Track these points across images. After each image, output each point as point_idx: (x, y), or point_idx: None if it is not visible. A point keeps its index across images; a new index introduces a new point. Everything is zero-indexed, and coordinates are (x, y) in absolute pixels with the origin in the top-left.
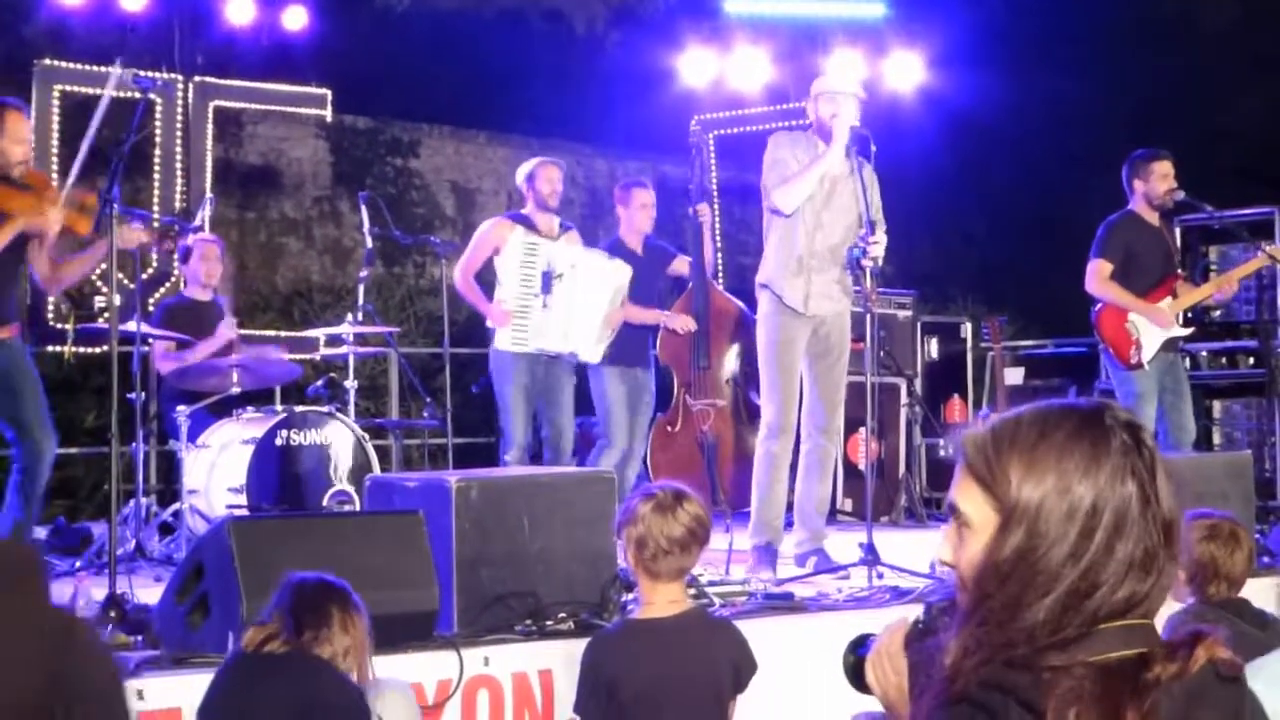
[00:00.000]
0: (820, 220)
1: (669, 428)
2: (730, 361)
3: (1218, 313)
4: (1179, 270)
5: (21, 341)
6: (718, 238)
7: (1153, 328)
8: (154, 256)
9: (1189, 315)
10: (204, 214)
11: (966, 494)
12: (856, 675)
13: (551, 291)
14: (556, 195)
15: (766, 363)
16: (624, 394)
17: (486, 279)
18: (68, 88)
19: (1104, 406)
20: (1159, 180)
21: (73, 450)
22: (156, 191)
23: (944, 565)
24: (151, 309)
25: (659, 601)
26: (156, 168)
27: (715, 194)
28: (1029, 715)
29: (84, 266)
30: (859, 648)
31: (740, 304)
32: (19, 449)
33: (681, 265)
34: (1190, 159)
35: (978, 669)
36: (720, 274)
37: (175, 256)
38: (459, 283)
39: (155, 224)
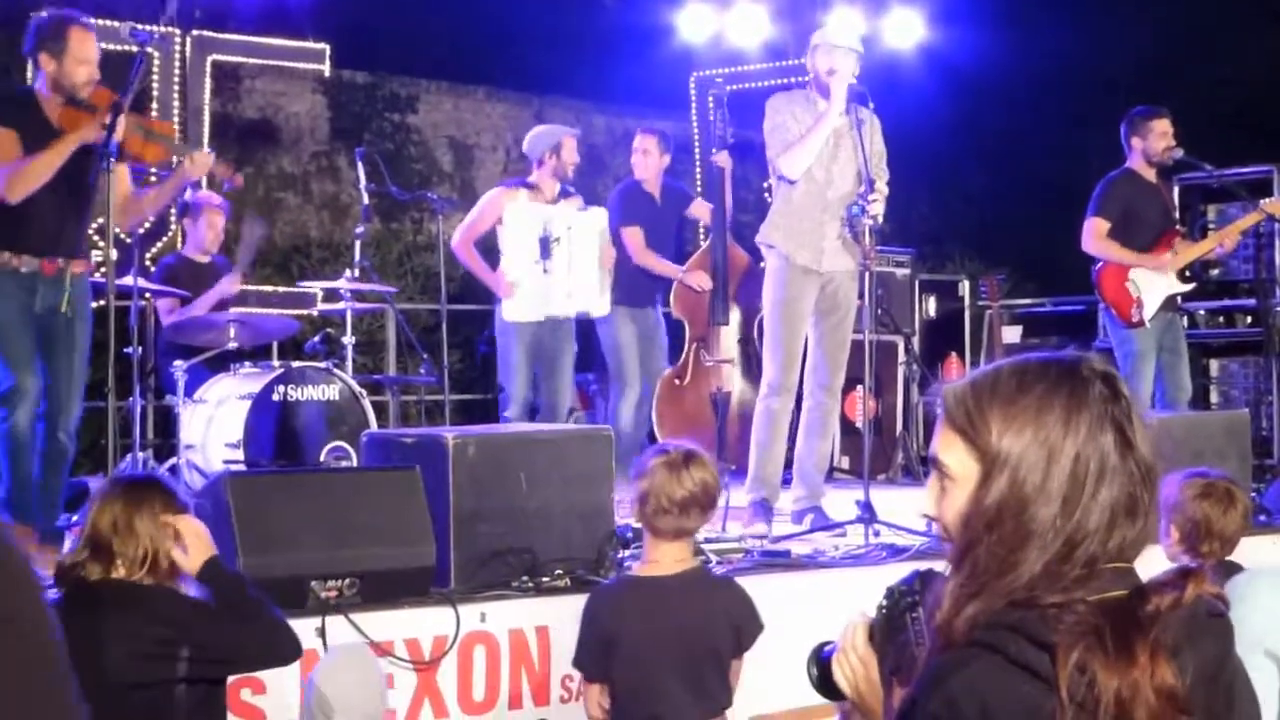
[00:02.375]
0: (830, 174)
1: (677, 381)
2: (744, 318)
3: (1216, 271)
4: (1177, 227)
5: (88, 282)
6: (701, 190)
7: (1154, 286)
8: (221, 185)
9: (1188, 272)
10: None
11: (948, 446)
12: (824, 681)
13: (551, 256)
14: (575, 166)
15: (772, 320)
16: (635, 335)
17: (489, 244)
18: None
19: (1081, 358)
20: (1157, 138)
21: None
22: None
23: (926, 517)
24: (150, 266)
25: (663, 560)
26: (154, 113)
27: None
28: (1036, 649)
29: (157, 201)
30: (821, 654)
31: (751, 258)
32: (47, 398)
33: (699, 209)
34: (1189, 115)
35: (977, 614)
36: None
37: (173, 210)
38: (460, 251)
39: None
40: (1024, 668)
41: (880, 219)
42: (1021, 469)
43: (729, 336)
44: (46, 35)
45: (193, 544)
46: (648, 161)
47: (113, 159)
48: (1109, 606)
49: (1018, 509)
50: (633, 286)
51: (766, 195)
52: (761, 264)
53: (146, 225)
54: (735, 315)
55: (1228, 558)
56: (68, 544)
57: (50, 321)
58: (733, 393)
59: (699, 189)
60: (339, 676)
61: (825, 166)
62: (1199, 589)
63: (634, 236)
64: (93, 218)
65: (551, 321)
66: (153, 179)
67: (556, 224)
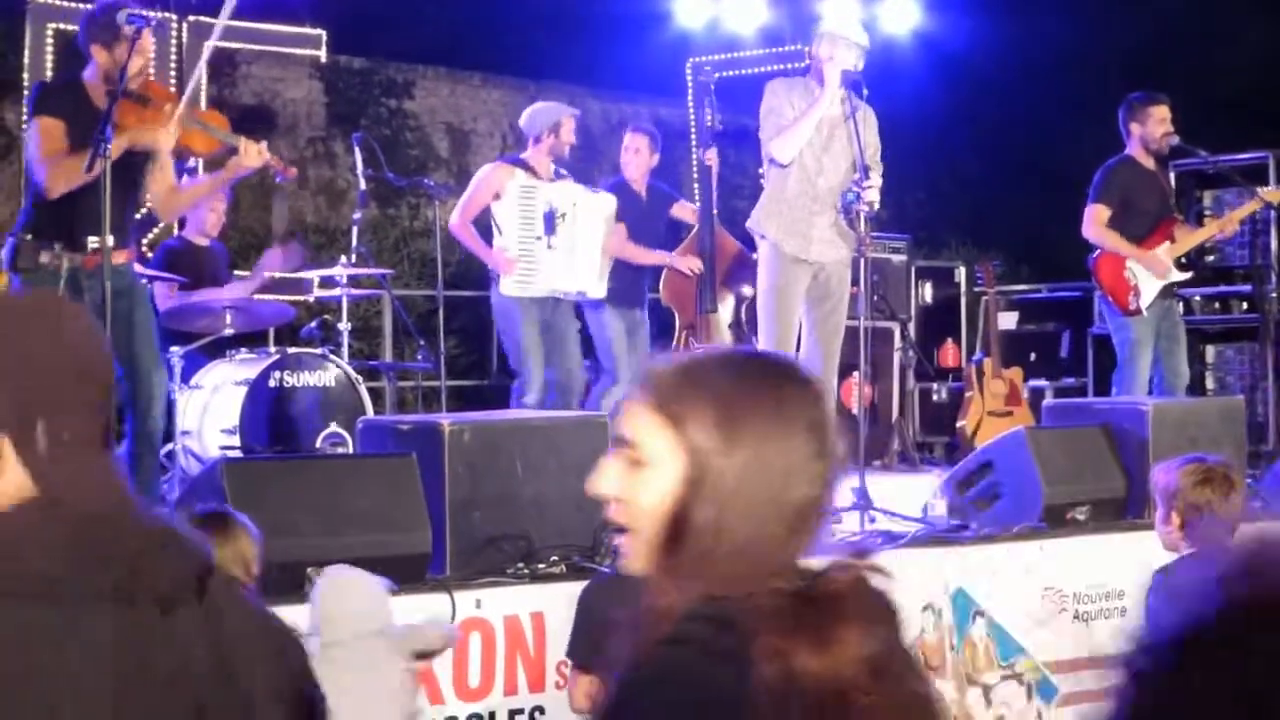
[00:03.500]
0: (821, 164)
1: None
2: (734, 305)
3: (1212, 257)
4: (1176, 214)
5: (135, 268)
6: (697, 176)
7: (1149, 273)
8: (274, 177)
9: (1186, 259)
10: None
11: (649, 430)
12: None
13: (556, 232)
14: (571, 146)
15: (764, 308)
16: (623, 330)
17: (481, 223)
18: (61, 26)
19: (788, 360)
20: (1156, 124)
21: None
22: None
23: (602, 496)
24: (147, 251)
25: None
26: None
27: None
28: (735, 637)
29: (206, 192)
30: None
31: (744, 248)
32: (129, 386)
33: (681, 211)
34: (1185, 101)
35: (675, 607)
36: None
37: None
38: (457, 228)
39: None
40: (723, 657)
41: (875, 206)
42: (731, 471)
43: (719, 324)
44: (98, 27)
45: None
46: (637, 161)
47: (108, 142)
48: (800, 592)
49: (725, 512)
50: (618, 286)
51: (762, 181)
52: (754, 254)
53: (142, 210)
54: (728, 302)
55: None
56: None
57: (98, 312)
58: None
59: (694, 175)
60: (342, 589)
61: (817, 156)
62: (870, 567)
63: (617, 233)
64: (139, 207)
65: (553, 299)
66: (194, 164)
67: (562, 200)
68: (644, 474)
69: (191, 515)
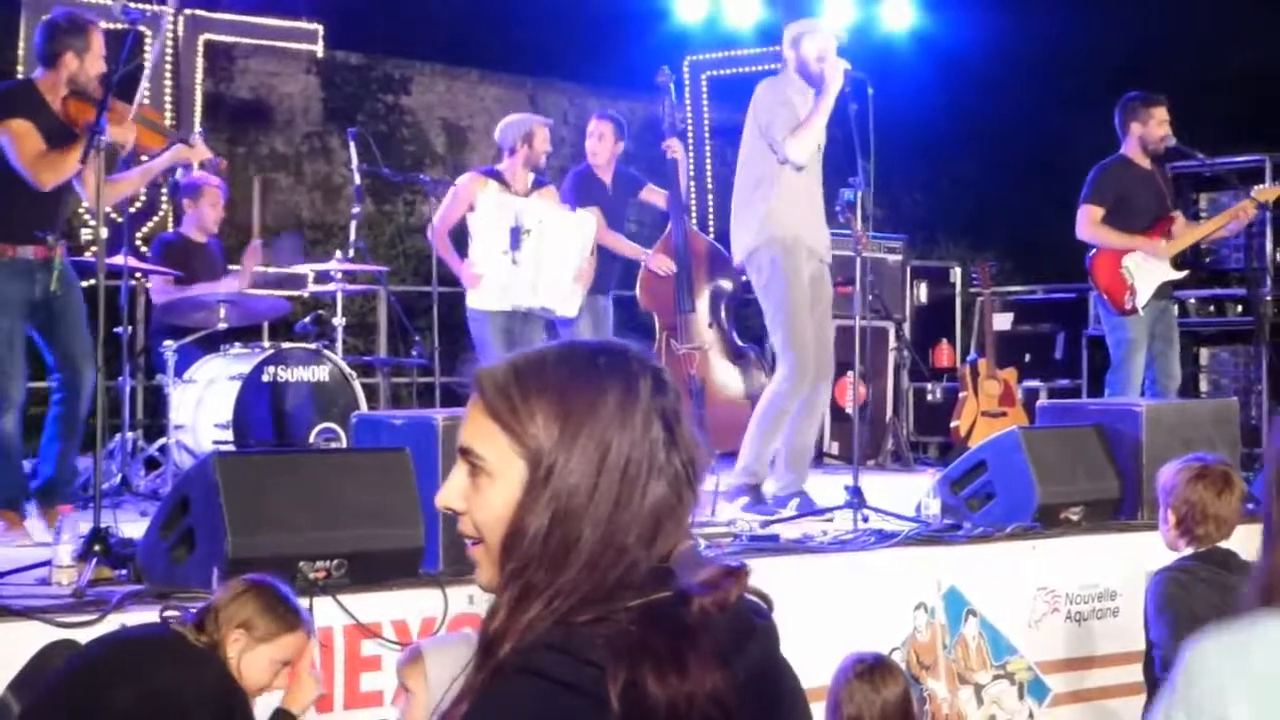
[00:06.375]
0: (818, 163)
1: None
2: (712, 302)
3: (1208, 260)
4: (1173, 213)
5: (68, 261)
6: (705, 184)
7: (1148, 273)
8: (210, 168)
9: (1182, 259)
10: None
11: (485, 437)
12: None
13: (520, 248)
14: (546, 155)
15: (785, 315)
16: (589, 326)
17: (457, 230)
18: None
19: (628, 349)
20: (1156, 125)
21: (43, 385)
22: None
23: (447, 509)
24: (142, 244)
25: None
26: (146, 101)
27: (708, 136)
28: (584, 667)
29: (139, 183)
30: None
31: (718, 245)
32: (59, 378)
33: (650, 194)
34: (1182, 104)
35: (524, 633)
36: (712, 216)
37: (164, 190)
38: (435, 238)
39: (179, 137)
40: (573, 688)
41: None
42: (573, 473)
43: (699, 323)
44: (70, 34)
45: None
46: (601, 146)
47: (102, 138)
48: (654, 613)
49: (570, 518)
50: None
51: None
52: (737, 263)
53: (138, 205)
54: (705, 299)
55: (1223, 544)
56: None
57: (49, 303)
58: (710, 377)
59: (690, 172)
60: (453, 660)
61: (816, 151)
62: (741, 588)
63: (597, 220)
64: (71, 198)
65: (519, 313)
66: (143, 159)
67: (528, 217)
68: (484, 482)
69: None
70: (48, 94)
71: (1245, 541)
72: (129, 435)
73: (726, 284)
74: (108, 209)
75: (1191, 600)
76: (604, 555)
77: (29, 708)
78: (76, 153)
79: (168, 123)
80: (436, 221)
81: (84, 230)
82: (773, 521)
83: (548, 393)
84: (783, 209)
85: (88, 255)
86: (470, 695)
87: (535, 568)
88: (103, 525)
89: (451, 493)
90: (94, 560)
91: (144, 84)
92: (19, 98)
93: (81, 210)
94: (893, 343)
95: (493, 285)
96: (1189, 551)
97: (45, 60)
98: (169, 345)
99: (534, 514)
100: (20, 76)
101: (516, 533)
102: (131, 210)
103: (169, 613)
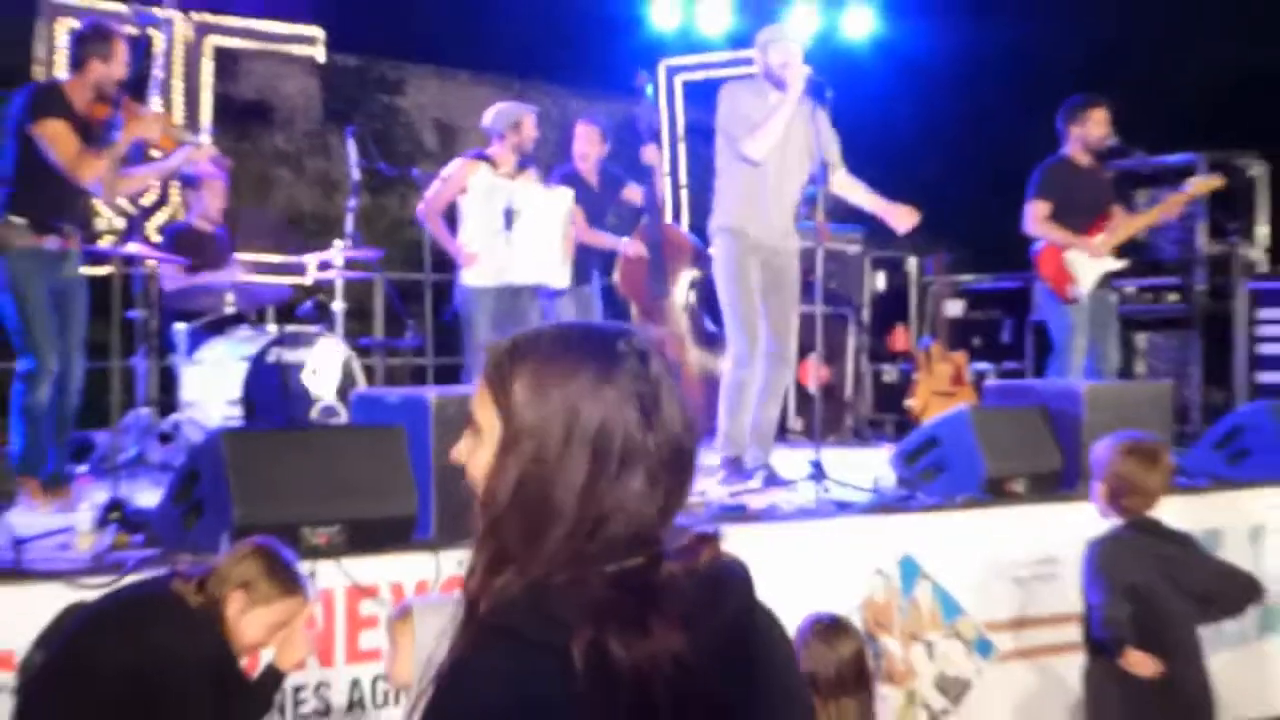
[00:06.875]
0: (778, 160)
1: None
2: (686, 289)
3: (1145, 251)
4: (1115, 207)
5: (81, 253)
6: (680, 179)
7: (1089, 264)
8: (215, 165)
9: (1121, 251)
10: (205, 136)
11: (480, 401)
12: None
13: (513, 228)
14: (533, 142)
15: (729, 297)
16: (574, 313)
17: (449, 213)
18: (72, 22)
19: (622, 330)
20: (1095, 126)
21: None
22: None
23: (457, 463)
24: (156, 233)
25: None
26: (157, 101)
27: (682, 136)
28: (554, 628)
29: (146, 180)
30: None
31: (692, 236)
32: (61, 366)
33: (632, 194)
34: (1124, 106)
35: (500, 592)
36: (685, 210)
37: (178, 181)
38: (426, 219)
39: (191, 140)
40: (542, 648)
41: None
42: (541, 437)
43: (674, 307)
44: (97, 42)
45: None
46: (587, 149)
47: (119, 129)
48: (625, 578)
49: (538, 481)
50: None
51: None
52: (708, 248)
53: (152, 198)
54: (681, 286)
55: (1149, 513)
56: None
57: (64, 291)
58: (684, 359)
59: (665, 169)
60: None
61: (775, 152)
62: (713, 553)
63: (576, 216)
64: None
65: (511, 289)
66: (155, 156)
67: (519, 198)
68: (476, 442)
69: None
70: (74, 95)
71: (1173, 512)
72: (143, 412)
73: (697, 272)
74: (120, 199)
75: (1123, 565)
76: (580, 524)
77: (44, 662)
78: (109, 151)
79: (178, 123)
80: (427, 203)
81: (98, 220)
82: (741, 492)
83: (529, 361)
84: (734, 202)
85: (102, 243)
86: (452, 653)
87: (507, 529)
88: (119, 495)
89: (459, 449)
90: (111, 527)
91: (155, 82)
92: (51, 99)
93: (95, 200)
94: (852, 327)
95: (489, 264)
96: (1119, 521)
97: (73, 64)
98: (180, 328)
99: (504, 472)
100: (42, 78)
101: (489, 490)
102: (146, 204)
103: (179, 567)
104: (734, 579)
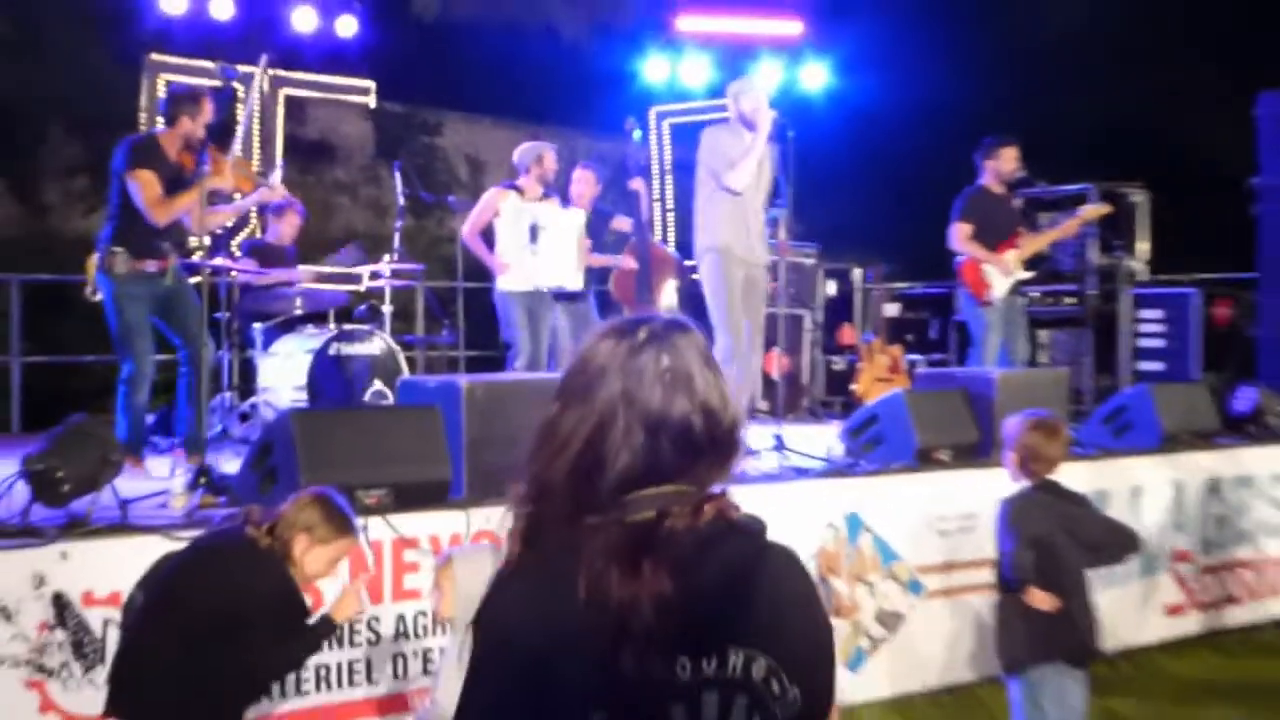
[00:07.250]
0: (754, 190)
1: None
2: (669, 296)
3: (1047, 263)
4: (1023, 228)
5: (180, 265)
6: (667, 205)
7: (1002, 275)
8: (287, 202)
9: (1029, 263)
10: (276, 177)
11: None
12: None
13: (538, 241)
14: (554, 173)
15: (718, 303)
16: (569, 327)
17: (488, 233)
18: (171, 77)
19: (646, 319)
20: (1006, 161)
21: (172, 356)
22: None
23: None
24: (236, 248)
25: None
26: (239, 154)
27: (669, 169)
28: (573, 561)
29: (229, 217)
30: None
31: (675, 252)
32: (183, 354)
33: (619, 224)
34: (1029, 144)
35: (529, 523)
36: (671, 230)
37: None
38: (467, 238)
39: (265, 183)
40: (562, 576)
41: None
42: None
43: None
44: (190, 102)
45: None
46: (584, 190)
47: (204, 174)
48: (636, 527)
49: (555, 423)
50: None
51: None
52: (691, 266)
53: (230, 223)
54: (668, 292)
55: (1050, 476)
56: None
57: (165, 296)
58: None
59: (654, 200)
60: (480, 569)
61: (754, 182)
62: (716, 509)
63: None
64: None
65: (537, 292)
66: (236, 197)
67: (543, 218)
68: None
69: None
70: (168, 146)
71: (1070, 476)
72: (227, 395)
73: (679, 282)
74: (206, 234)
75: (1030, 520)
76: (574, 464)
77: (144, 601)
78: (184, 198)
79: (255, 162)
80: (467, 226)
81: (191, 238)
82: None
83: (588, 340)
84: (720, 225)
85: (195, 258)
86: (503, 569)
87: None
88: (207, 463)
89: None
90: (200, 490)
91: (240, 130)
92: (146, 151)
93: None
94: (808, 325)
95: (519, 272)
96: (1027, 483)
97: (167, 120)
98: (257, 326)
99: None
100: (144, 130)
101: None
102: (230, 225)
103: (253, 514)
104: (738, 533)
